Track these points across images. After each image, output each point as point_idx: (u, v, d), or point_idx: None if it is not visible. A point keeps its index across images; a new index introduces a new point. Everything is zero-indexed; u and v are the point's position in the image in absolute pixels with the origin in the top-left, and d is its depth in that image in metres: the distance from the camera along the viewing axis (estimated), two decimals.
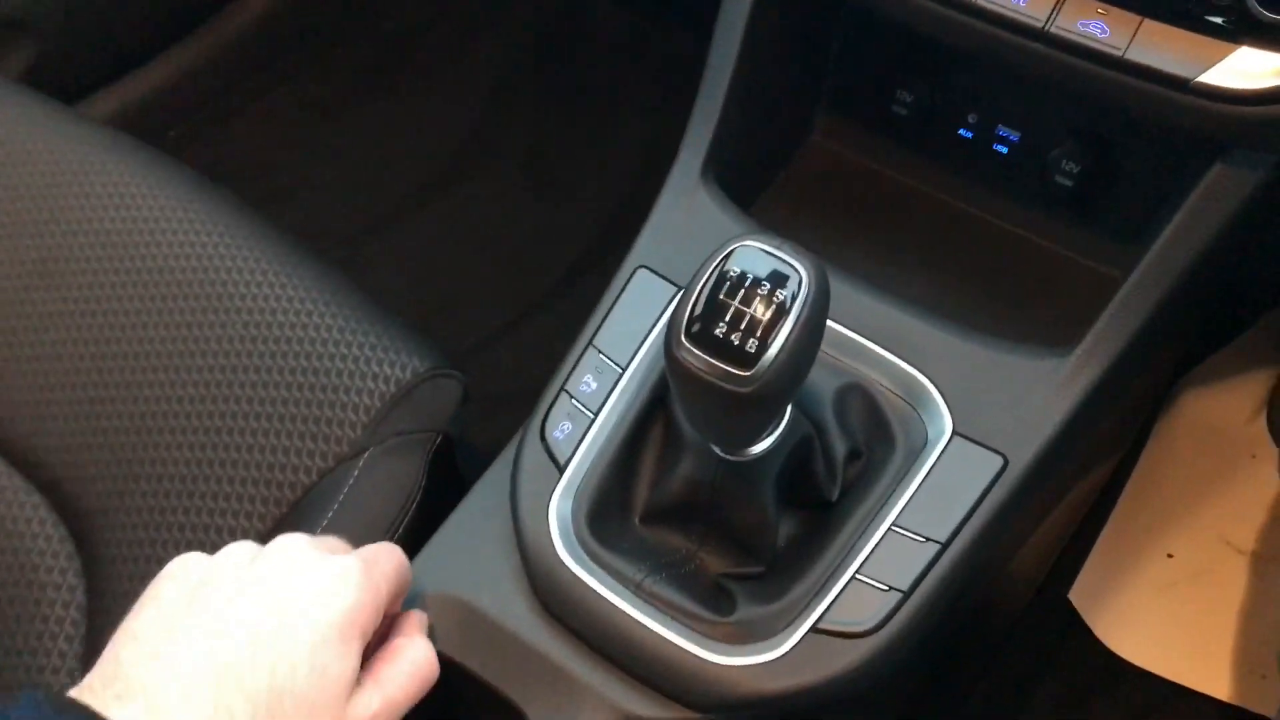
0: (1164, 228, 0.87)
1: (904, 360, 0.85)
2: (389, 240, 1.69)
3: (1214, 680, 1.26)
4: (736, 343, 0.63)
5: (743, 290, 0.64)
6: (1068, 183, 0.98)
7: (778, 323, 0.63)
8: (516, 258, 1.69)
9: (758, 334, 0.63)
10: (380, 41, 1.89)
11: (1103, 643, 1.29)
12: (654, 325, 0.88)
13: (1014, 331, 0.97)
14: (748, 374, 0.63)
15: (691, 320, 0.65)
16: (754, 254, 0.65)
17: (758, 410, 0.68)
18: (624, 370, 0.86)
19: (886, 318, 0.87)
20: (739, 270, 0.65)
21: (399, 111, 1.85)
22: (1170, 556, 1.35)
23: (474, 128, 1.82)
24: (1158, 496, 1.39)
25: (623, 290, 0.91)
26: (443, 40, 1.89)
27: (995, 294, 1.00)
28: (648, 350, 0.87)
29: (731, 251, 0.65)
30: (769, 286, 0.64)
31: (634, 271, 0.91)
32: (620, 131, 1.79)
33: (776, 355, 0.63)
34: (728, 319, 0.64)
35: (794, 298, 0.64)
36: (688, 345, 0.65)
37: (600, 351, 0.88)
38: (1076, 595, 1.30)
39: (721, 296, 0.64)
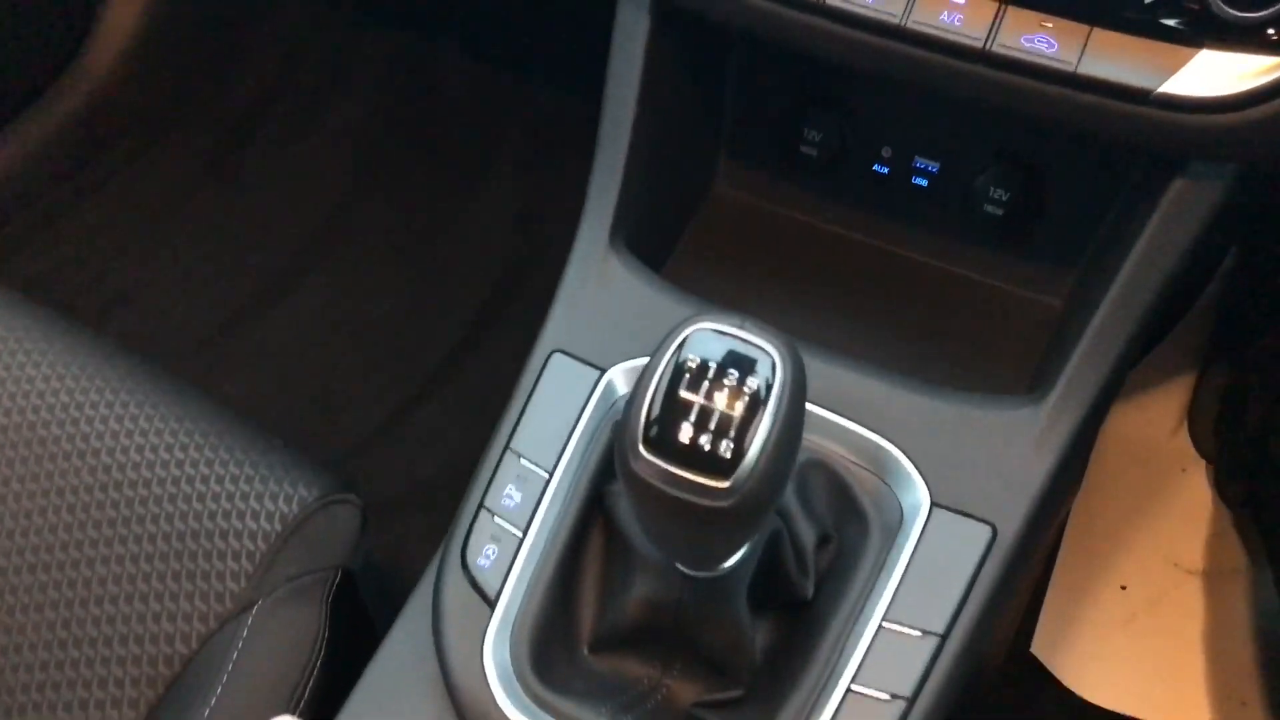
0: (1113, 251, 0.81)
1: (865, 427, 0.76)
2: (247, 340, 1.54)
3: (1193, 714, 1.19)
4: (707, 447, 0.52)
5: (706, 382, 0.53)
6: (998, 211, 0.91)
7: (754, 418, 0.53)
8: (392, 344, 1.55)
9: (731, 434, 0.53)
10: (216, 124, 1.74)
11: (1074, 692, 1.21)
12: (579, 418, 0.77)
13: (965, 376, 0.90)
14: (726, 484, 0.52)
15: (649, 424, 0.54)
16: (712, 338, 0.55)
17: (739, 524, 0.57)
18: (551, 475, 0.75)
19: (838, 380, 0.78)
20: (698, 359, 0.54)
21: (244, 197, 1.70)
22: (1124, 588, 1.30)
23: (329, 207, 1.69)
24: (1099, 526, 1.34)
25: (537, 380, 0.79)
26: (285, 116, 1.76)
27: (935, 337, 0.93)
28: (575, 448, 0.76)
29: (685, 337, 0.55)
30: (737, 375, 0.53)
31: (548, 357, 0.80)
32: (489, 196, 1.68)
33: (758, 458, 0.52)
34: (693, 419, 0.53)
35: (768, 385, 0.53)
36: (648, 456, 0.53)
37: (521, 456, 0.76)
38: (1039, 646, 1.23)
39: (682, 393, 0.53)
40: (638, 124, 0.84)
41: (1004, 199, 0.91)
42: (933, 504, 0.73)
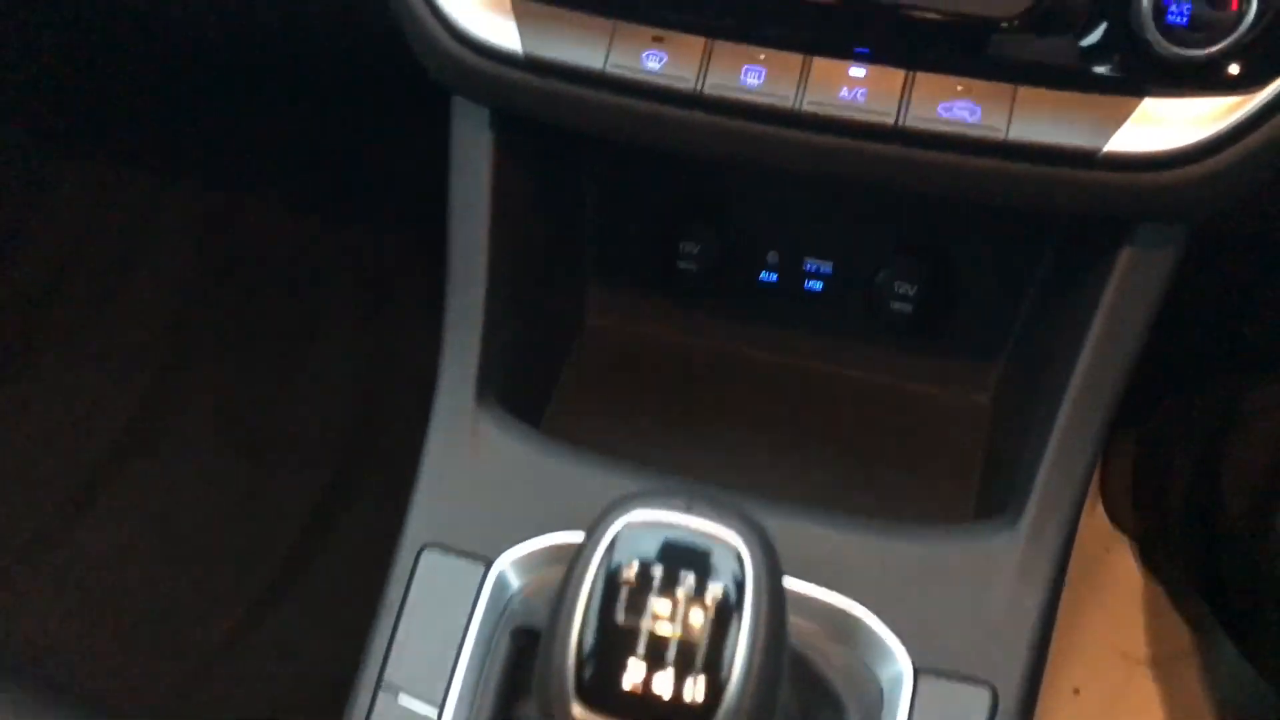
0: (1052, 337, 0.71)
1: (820, 587, 0.63)
2: (49, 563, 1.33)
3: None
4: (669, 693, 0.38)
5: (652, 595, 0.39)
6: (906, 307, 0.82)
7: (727, 635, 0.38)
8: (229, 541, 1.38)
9: (698, 664, 0.38)
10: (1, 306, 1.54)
11: None
12: (466, 629, 0.63)
13: (904, 499, 0.79)
14: None
15: (580, 665, 0.39)
16: (648, 532, 0.40)
17: None
18: (440, 711, 0.60)
19: (777, 533, 0.64)
20: (636, 562, 0.40)
21: (40, 389, 1.51)
22: (1077, 692, 1.20)
23: (140, 392, 1.51)
24: None
25: (408, 587, 0.64)
26: (79, 298, 1.57)
27: (861, 457, 0.84)
28: (467, 669, 0.61)
29: (615, 536, 0.40)
30: (692, 578, 0.39)
31: (418, 555, 0.65)
32: (321, 358, 1.52)
33: (742, 693, 0.38)
34: (642, 652, 0.38)
35: (738, 585, 0.39)
36: (583, 713, 0.38)
37: (400, 692, 0.61)
38: None
39: (621, 616, 0.39)
40: (493, 258, 0.71)
41: (911, 294, 0.82)
42: (916, 672, 0.61)
